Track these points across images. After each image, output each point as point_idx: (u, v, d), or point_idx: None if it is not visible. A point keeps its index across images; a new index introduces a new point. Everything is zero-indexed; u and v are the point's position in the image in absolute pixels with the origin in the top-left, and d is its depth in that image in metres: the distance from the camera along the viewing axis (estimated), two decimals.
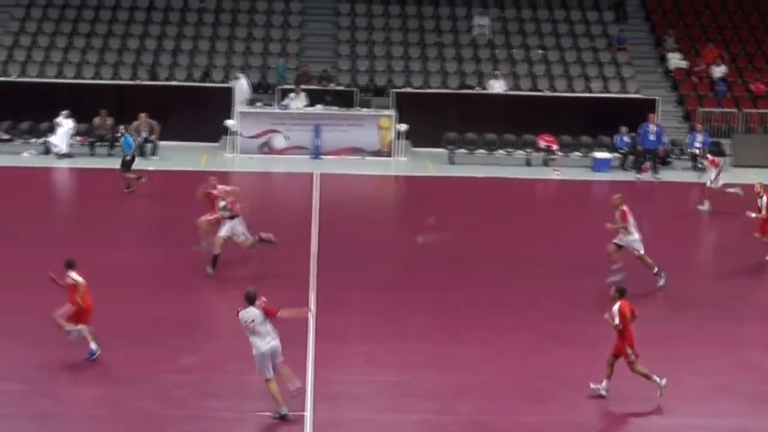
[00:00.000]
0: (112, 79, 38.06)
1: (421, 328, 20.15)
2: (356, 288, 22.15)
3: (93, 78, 38.07)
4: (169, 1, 41.67)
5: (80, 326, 17.86)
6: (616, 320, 16.68)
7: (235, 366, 17.72)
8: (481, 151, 36.08)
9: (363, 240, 26.01)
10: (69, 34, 40.06)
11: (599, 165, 35.30)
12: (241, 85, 36.41)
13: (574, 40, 41.65)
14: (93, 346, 17.79)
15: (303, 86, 36.96)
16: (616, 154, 35.72)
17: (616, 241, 22.47)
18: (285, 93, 36.72)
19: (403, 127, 35.61)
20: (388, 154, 35.81)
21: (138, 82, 37.64)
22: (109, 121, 35.07)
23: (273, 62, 39.40)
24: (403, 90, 37.72)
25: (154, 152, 34.57)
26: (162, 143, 34.94)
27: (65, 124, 34.40)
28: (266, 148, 35.74)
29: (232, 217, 22.65)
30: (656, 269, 22.43)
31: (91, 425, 15.89)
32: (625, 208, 22.28)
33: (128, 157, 30.13)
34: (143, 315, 20.27)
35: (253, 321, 15.78)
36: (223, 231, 22.63)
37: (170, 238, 25.31)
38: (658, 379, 16.86)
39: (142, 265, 23.61)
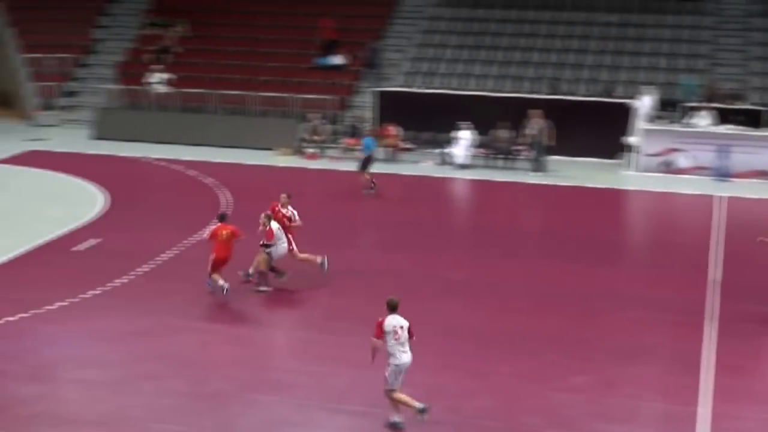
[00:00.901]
0: (513, 92, 38.10)
1: None
2: (760, 321, 20.61)
3: (494, 90, 38.31)
4: (573, 14, 41.27)
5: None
6: None
7: (627, 390, 17.19)
8: None
9: None
10: (473, 46, 40.59)
11: None
12: (645, 102, 35.29)
13: None
14: (221, 283, 20.94)
15: (710, 104, 35.36)
16: None
17: None
18: (691, 111, 35.26)
19: None
20: None
21: (538, 95, 37.46)
22: (509, 134, 35.10)
23: (680, 78, 37.98)
24: None
25: (539, 168, 34.16)
26: (555, 158, 34.56)
27: (465, 136, 34.84)
28: (667, 167, 34.47)
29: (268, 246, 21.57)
30: None
31: None
32: None
33: (367, 157, 31.23)
34: (535, 329, 19.96)
35: (402, 328, 15.58)
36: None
37: (568, 254, 24.94)
38: None
39: (532, 279, 23.25)
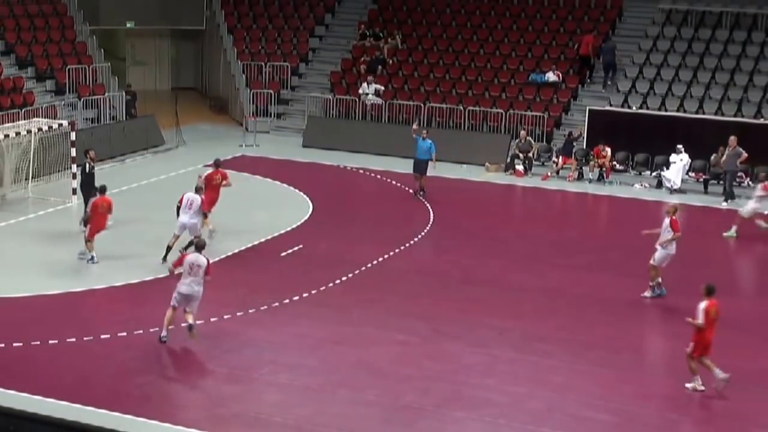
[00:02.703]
0: (734, 116, 36.57)
1: None
2: None
3: (714, 114, 36.86)
4: None
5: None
6: (700, 320, 17.04)
7: None
8: None
9: None
10: (694, 68, 39.23)
11: None
12: None
13: None
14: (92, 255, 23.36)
15: None
16: None
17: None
18: None
19: None
20: None
21: (762, 121, 35.86)
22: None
23: None
24: None
25: (728, 196, 32.38)
26: None
27: (680, 159, 33.59)
28: None
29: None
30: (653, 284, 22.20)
31: None
32: (675, 217, 22.54)
33: (423, 161, 31.31)
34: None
35: (198, 266, 18.59)
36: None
37: None
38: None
39: (752, 313, 22.12)
